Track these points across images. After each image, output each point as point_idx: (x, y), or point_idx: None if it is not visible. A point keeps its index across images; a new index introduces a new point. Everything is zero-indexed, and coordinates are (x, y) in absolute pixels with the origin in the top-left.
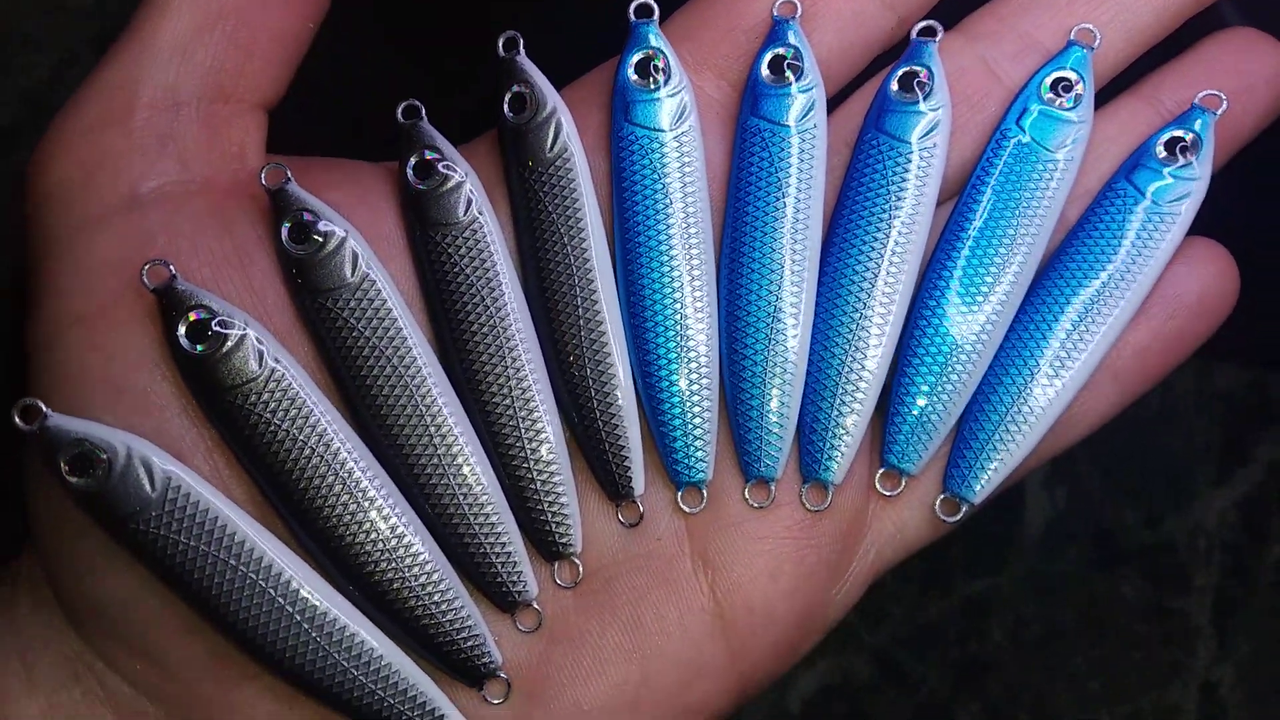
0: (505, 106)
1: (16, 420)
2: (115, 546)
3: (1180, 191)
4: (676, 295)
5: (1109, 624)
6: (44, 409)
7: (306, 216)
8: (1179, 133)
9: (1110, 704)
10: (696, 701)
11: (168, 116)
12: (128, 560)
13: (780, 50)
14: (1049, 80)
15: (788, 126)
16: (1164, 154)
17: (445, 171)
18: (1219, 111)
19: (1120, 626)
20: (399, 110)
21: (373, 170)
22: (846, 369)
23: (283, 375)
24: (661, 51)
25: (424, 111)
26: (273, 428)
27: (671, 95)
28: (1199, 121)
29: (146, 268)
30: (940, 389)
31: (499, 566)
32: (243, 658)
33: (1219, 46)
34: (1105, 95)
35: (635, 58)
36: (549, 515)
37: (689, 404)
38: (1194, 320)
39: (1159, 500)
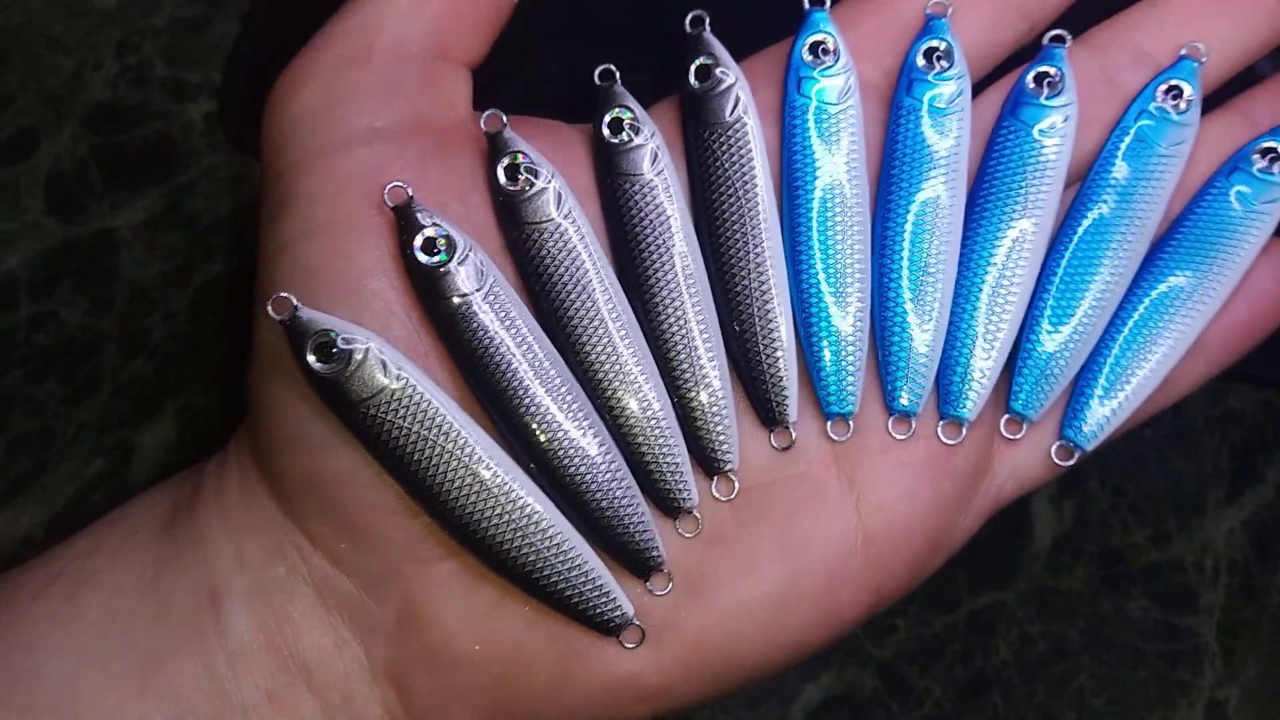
0: (691, 75)
1: (270, 311)
2: (340, 429)
3: (1272, 195)
4: (835, 247)
5: (1115, 642)
6: (295, 301)
7: (520, 158)
8: (1273, 144)
9: None
10: (837, 605)
11: (398, 65)
12: (349, 442)
13: (934, 42)
14: (1163, 87)
15: (939, 107)
16: (1260, 161)
17: (634, 128)
18: None
19: (1126, 645)
20: (596, 73)
21: (570, 131)
22: (985, 320)
23: (499, 292)
24: (832, 35)
25: (619, 75)
26: (488, 335)
27: (839, 74)
28: None
29: (388, 187)
30: (1063, 347)
31: (667, 476)
32: (441, 539)
33: None
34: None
35: (810, 39)
36: (713, 435)
37: (842, 343)
38: (1271, 310)
39: (1168, 519)
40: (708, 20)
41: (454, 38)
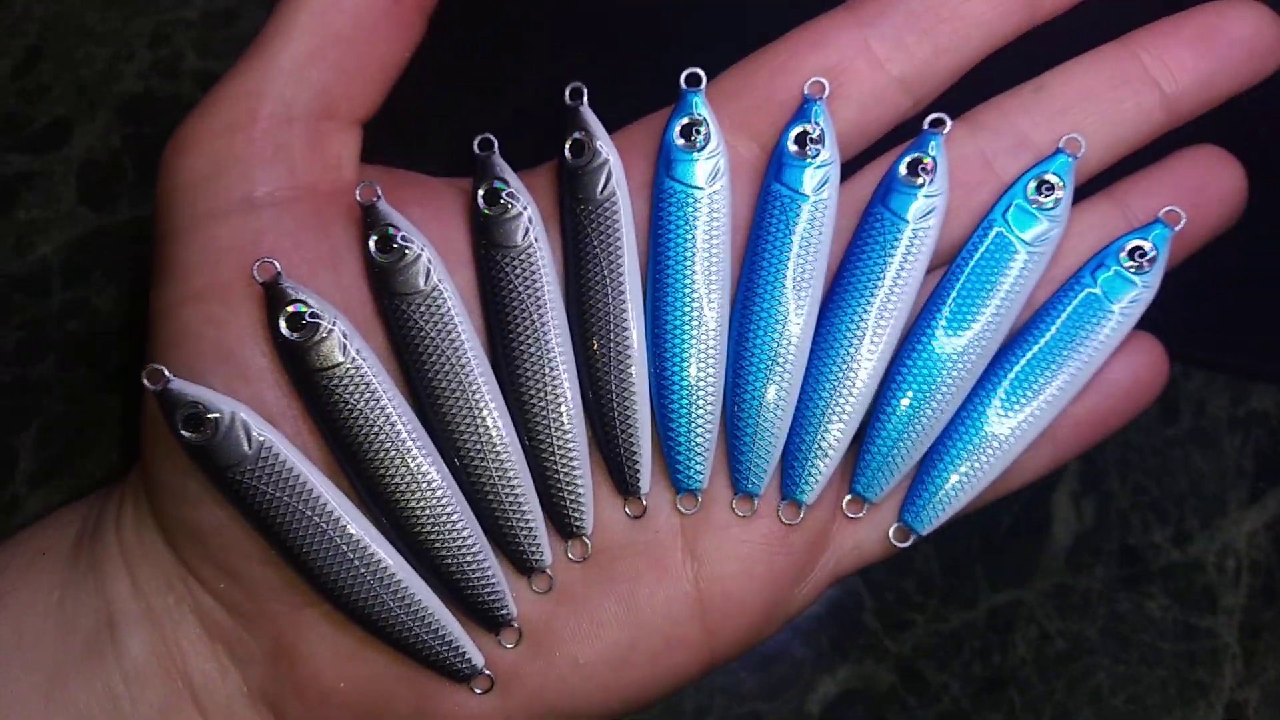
0: (566, 150)
1: (145, 381)
2: (209, 485)
3: (1135, 296)
4: (693, 329)
5: (1134, 642)
6: (166, 374)
7: (392, 231)
8: (1142, 243)
9: None
10: (672, 666)
11: (282, 128)
12: (219, 496)
13: (806, 126)
14: (1035, 181)
15: (805, 195)
16: (1127, 261)
17: (509, 202)
18: (1177, 227)
19: (1145, 644)
20: (475, 142)
21: (449, 190)
22: (830, 409)
23: (361, 364)
24: (705, 119)
25: (497, 145)
26: (349, 406)
27: (709, 158)
28: (1159, 235)
29: (257, 264)
30: (906, 434)
31: (522, 536)
32: (308, 588)
33: (1186, 162)
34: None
35: (681, 122)
36: (568, 499)
37: (694, 423)
38: (1122, 403)
39: (1188, 519)
40: (585, 94)
41: (341, 97)
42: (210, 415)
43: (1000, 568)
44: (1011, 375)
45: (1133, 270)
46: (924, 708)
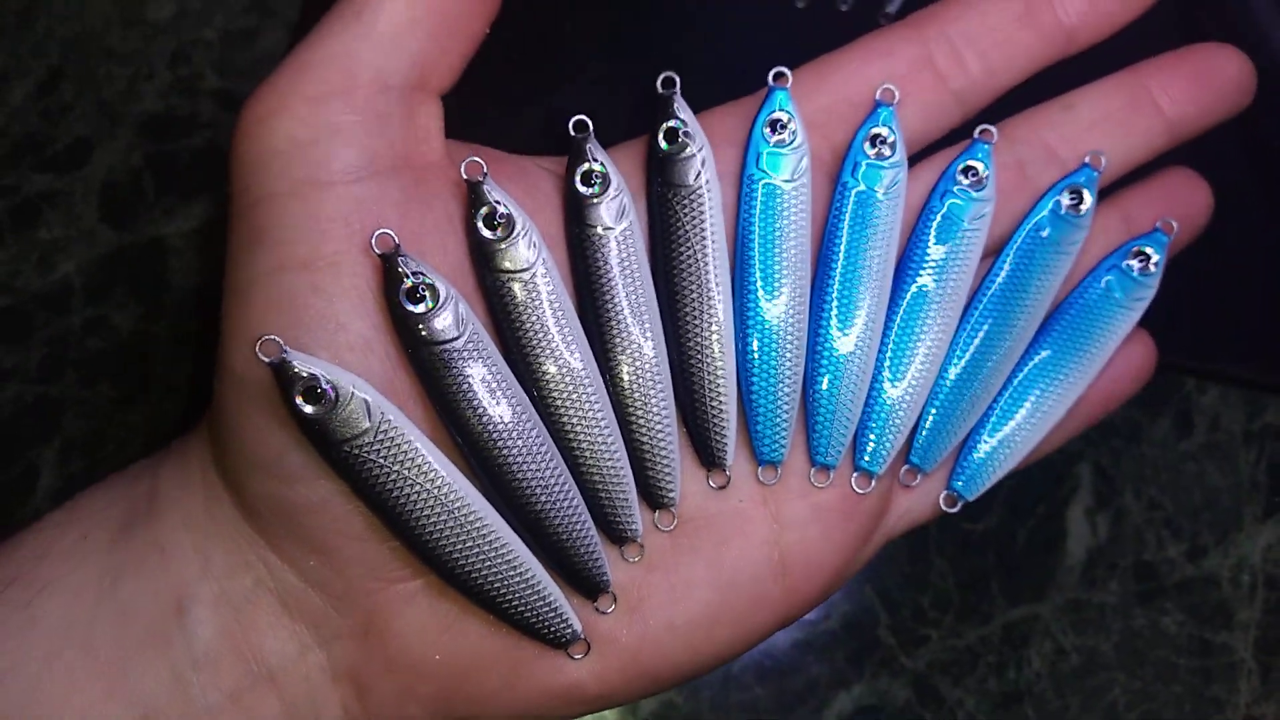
0: (660, 137)
1: (258, 353)
2: (316, 460)
3: (1141, 292)
4: (777, 312)
5: (1149, 657)
6: (282, 344)
7: (497, 207)
8: (1149, 250)
9: None
10: (756, 625)
11: (381, 98)
12: (325, 473)
13: (878, 129)
14: (1068, 190)
15: (877, 194)
16: (1135, 263)
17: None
18: (1172, 235)
19: (1161, 660)
20: (570, 124)
21: (535, 169)
22: (900, 389)
23: (478, 338)
24: (791, 114)
25: (679, 83)
26: (466, 379)
27: (794, 152)
28: (1159, 241)
29: (376, 234)
30: (958, 411)
31: (618, 509)
32: (408, 560)
33: (1171, 180)
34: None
35: (770, 116)
36: (659, 473)
37: (777, 400)
38: (1124, 386)
39: (1203, 534)
40: (679, 83)
41: (433, 68)
42: (329, 389)
43: (1015, 583)
44: (1043, 356)
45: (1139, 271)
46: None
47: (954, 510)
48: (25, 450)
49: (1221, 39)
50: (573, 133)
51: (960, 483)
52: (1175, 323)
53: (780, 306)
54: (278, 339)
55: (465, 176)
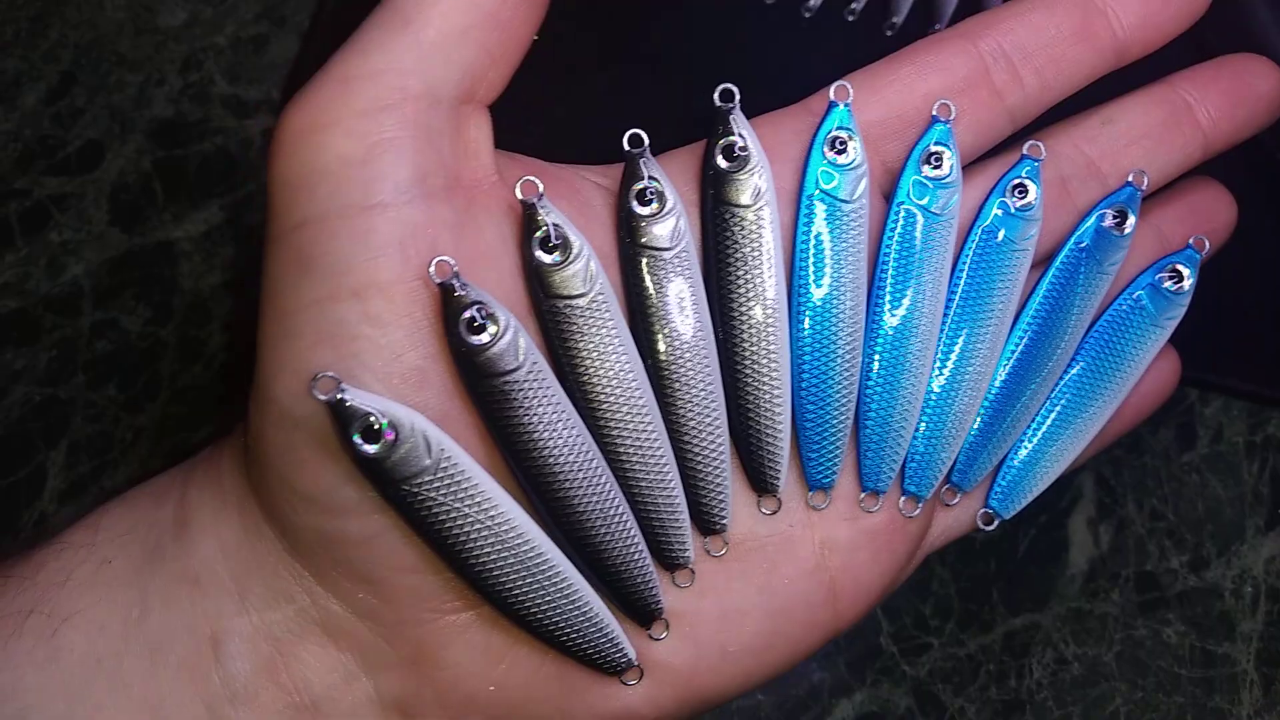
0: (718, 153)
1: (314, 392)
2: (369, 493)
3: (1173, 311)
4: (831, 337)
5: (1151, 668)
6: (340, 383)
7: (554, 230)
8: (1182, 268)
9: None
10: (808, 648)
11: (431, 112)
12: (378, 506)
13: (935, 147)
14: (1110, 211)
15: (936, 214)
16: (1167, 281)
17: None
18: (1203, 254)
19: (1163, 671)
20: (625, 138)
21: (584, 183)
22: (949, 416)
23: (539, 368)
24: (852, 132)
25: (738, 96)
26: (528, 410)
27: (853, 170)
28: (1190, 258)
29: (435, 262)
30: (998, 433)
31: (671, 537)
32: (460, 591)
33: (1199, 193)
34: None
35: (829, 134)
36: (712, 499)
37: (829, 426)
38: (1149, 401)
39: (1205, 545)
40: (738, 96)
41: (482, 80)
42: (388, 427)
43: (1017, 592)
44: (1077, 371)
45: (1171, 289)
46: None
47: (990, 529)
48: (32, 451)
49: (1223, 48)
50: (627, 147)
51: (997, 501)
52: (1179, 335)
53: (833, 331)
54: (335, 375)
55: (520, 197)
